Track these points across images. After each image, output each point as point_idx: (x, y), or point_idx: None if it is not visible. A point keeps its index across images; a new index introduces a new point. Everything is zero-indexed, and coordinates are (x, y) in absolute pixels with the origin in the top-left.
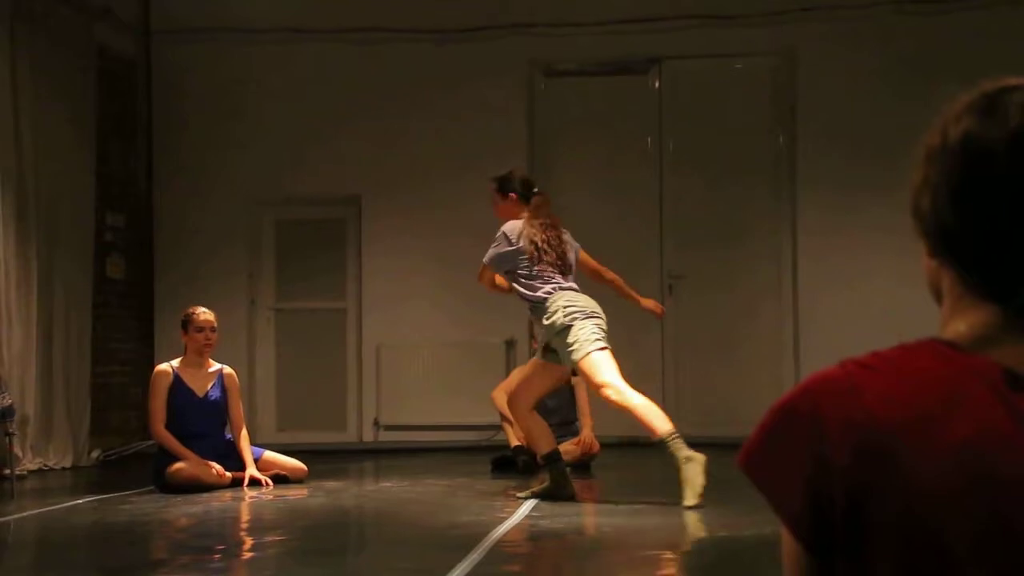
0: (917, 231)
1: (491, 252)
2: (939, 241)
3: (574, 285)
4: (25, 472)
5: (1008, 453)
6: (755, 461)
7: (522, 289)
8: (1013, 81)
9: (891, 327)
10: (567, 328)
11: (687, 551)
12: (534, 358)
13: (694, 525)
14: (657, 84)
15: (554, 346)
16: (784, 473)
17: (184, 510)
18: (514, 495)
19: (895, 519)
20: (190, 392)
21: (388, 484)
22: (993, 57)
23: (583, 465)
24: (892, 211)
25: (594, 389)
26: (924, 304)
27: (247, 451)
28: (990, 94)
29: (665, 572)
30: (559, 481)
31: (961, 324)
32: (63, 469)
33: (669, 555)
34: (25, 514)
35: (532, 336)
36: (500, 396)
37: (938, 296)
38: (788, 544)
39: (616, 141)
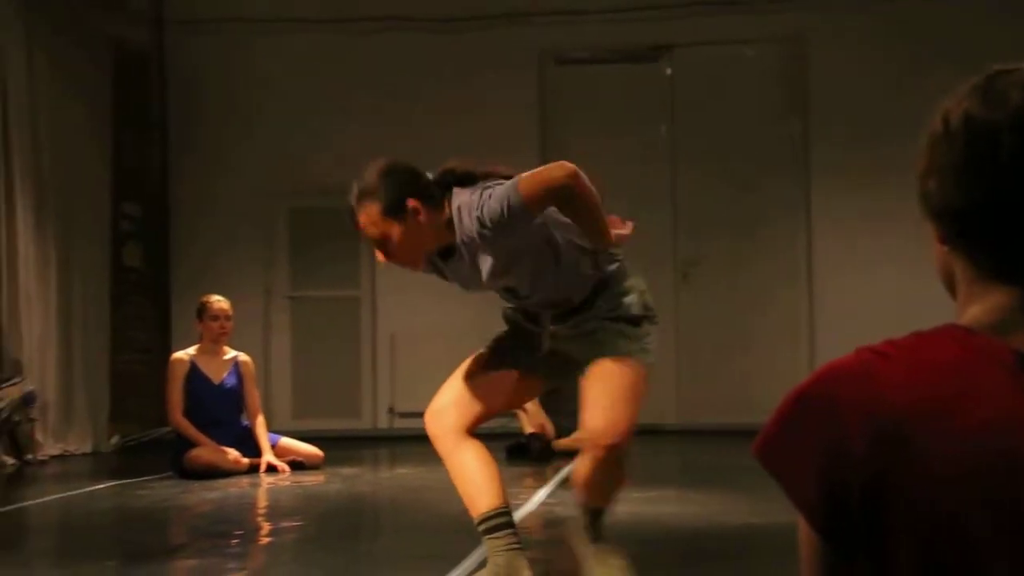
0: (925, 215)
1: None
2: (948, 224)
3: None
4: (46, 457)
5: None
6: (770, 450)
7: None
8: (1011, 66)
9: (906, 312)
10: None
11: (703, 539)
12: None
13: (710, 513)
14: (668, 71)
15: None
16: (799, 462)
17: (202, 496)
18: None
19: (914, 507)
20: (207, 380)
21: (403, 471)
22: (1000, 44)
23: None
24: (906, 195)
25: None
26: (938, 289)
27: (264, 437)
28: (988, 76)
29: (682, 559)
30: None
31: (976, 309)
32: (83, 455)
33: (684, 542)
34: (46, 499)
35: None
36: None
37: (950, 286)
38: (805, 534)
39: (628, 129)
